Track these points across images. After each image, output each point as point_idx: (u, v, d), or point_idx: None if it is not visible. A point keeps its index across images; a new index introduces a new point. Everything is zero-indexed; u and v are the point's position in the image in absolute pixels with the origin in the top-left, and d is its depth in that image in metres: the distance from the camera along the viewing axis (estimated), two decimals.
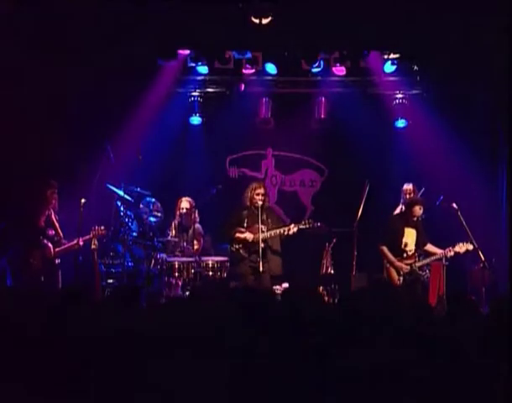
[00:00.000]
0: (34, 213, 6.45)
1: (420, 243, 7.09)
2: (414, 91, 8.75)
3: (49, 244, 6.48)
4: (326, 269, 7.92)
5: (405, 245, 7.05)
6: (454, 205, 7.39)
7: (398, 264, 6.98)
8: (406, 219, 7.12)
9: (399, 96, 8.72)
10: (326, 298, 7.29)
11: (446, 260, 7.29)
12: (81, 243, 6.66)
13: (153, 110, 8.56)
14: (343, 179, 8.88)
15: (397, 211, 7.77)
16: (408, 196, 7.57)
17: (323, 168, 9.31)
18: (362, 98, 8.67)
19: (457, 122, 8.07)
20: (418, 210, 7.10)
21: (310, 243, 7.77)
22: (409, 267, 6.98)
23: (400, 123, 8.77)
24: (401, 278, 6.97)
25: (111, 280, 7.52)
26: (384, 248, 7.06)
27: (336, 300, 7.35)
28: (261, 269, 6.62)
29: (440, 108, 8.27)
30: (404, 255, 7.03)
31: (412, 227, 7.09)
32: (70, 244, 6.61)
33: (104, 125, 8.16)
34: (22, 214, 6.52)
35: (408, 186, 7.79)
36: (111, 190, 7.81)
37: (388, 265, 7.06)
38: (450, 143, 8.17)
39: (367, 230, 7.57)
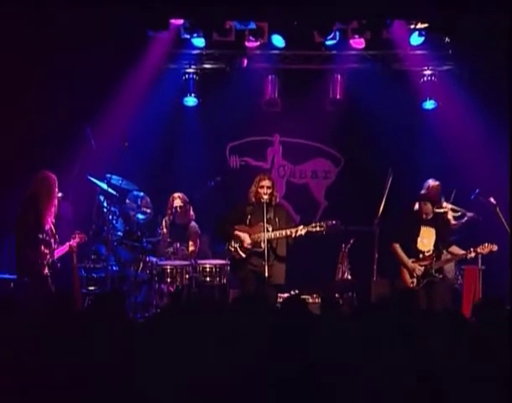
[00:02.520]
0: (41, 216, 6.35)
1: (440, 244, 7.06)
2: (445, 67, 8.68)
3: (46, 250, 6.37)
4: (343, 274, 7.89)
5: (422, 245, 7.04)
6: (492, 199, 7.34)
7: (411, 265, 6.99)
8: (422, 217, 7.09)
9: (428, 72, 8.66)
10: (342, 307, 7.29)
11: (481, 264, 7.24)
12: (75, 248, 6.57)
13: (141, 89, 8.52)
14: (362, 169, 8.91)
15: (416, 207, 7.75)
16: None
17: (339, 157, 9.30)
18: (384, 75, 8.65)
19: (494, 104, 7.98)
20: (424, 206, 7.08)
21: (323, 244, 7.63)
22: (423, 269, 6.95)
23: (429, 105, 8.71)
24: (414, 280, 6.97)
25: (92, 287, 7.47)
26: (397, 247, 7.07)
27: (353, 310, 7.33)
28: (266, 274, 6.55)
29: (475, 87, 8.21)
30: (420, 256, 7.01)
31: (431, 225, 7.06)
32: (61, 249, 6.49)
33: (84, 106, 8.11)
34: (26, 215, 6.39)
35: (435, 183, 7.75)
36: (92, 182, 7.78)
37: (401, 266, 7.08)
38: (486, 127, 8.10)
39: (390, 229, 7.51)
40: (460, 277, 7.70)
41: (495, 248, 6.94)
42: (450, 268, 7.59)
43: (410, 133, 8.69)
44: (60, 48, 7.57)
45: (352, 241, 7.94)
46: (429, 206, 7.08)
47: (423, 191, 7.71)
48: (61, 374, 3.05)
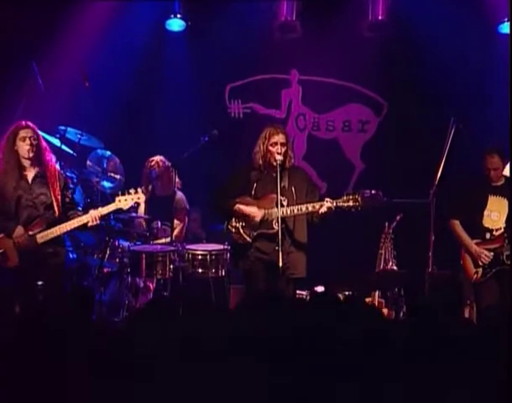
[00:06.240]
0: None
1: None
2: None
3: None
4: (386, 263, 7.86)
5: (489, 221, 7.10)
6: None
7: (476, 249, 7.05)
8: (490, 183, 7.14)
9: None
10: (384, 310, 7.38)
11: None
12: None
13: (107, 9, 8.56)
14: (413, 119, 8.93)
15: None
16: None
17: (380, 101, 9.27)
18: None
19: None
20: (490, 159, 7.04)
21: (359, 222, 7.75)
22: (492, 254, 7.00)
23: (507, 28, 8.58)
24: (479, 270, 7.06)
25: (41, 282, 7.48)
26: (457, 224, 7.14)
27: (401, 313, 7.35)
28: (280, 264, 6.54)
29: None
30: (488, 236, 7.09)
31: (501, 194, 7.10)
32: None
33: (28, 32, 8.14)
34: None
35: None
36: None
37: (462, 251, 7.17)
38: None
39: (449, 201, 7.48)
40: None
41: None
42: None
43: (479, 68, 8.67)
44: None
45: (398, 218, 7.90)
46: (496, 159, 7.04)
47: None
48: None
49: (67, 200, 6.59)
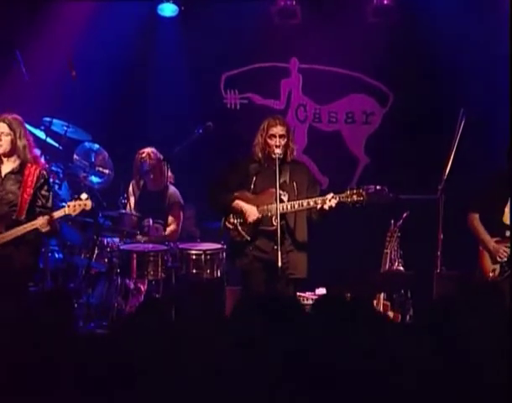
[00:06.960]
0: None
1: None
2: None
3: None
4: (392, 263, 7.83)
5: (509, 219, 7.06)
6: None
7: (494, 244, 7.05)
8: None
9: None
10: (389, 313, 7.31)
11: None
12: None
13: None
14: (420, 110, 8.87)
15: None
16: None
17: (386, 92, 9.21)
18: None
19: None
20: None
21: (363, 220, 7.78)
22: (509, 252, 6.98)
23: None
24: (497, 268, 7.05)
25: None
26: (476, 218, 7.12)
27: (408, 317, 7.33)
28: (279, 263, 6.51)
29: None
30: (507, 234, 7.06)
31: None
32: None
33: (13, 19, 8.23)
34: None
35: None
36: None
37: (480, 247, 7.15)
38: None
39: (461, 198, 7.46)
40: None
41: None
42: None
43: (492, 55, 8.56)
44: None
45: (405, 215, 7.84)
46: None
47: None
48: None
49: (39, 203, 6.43)
